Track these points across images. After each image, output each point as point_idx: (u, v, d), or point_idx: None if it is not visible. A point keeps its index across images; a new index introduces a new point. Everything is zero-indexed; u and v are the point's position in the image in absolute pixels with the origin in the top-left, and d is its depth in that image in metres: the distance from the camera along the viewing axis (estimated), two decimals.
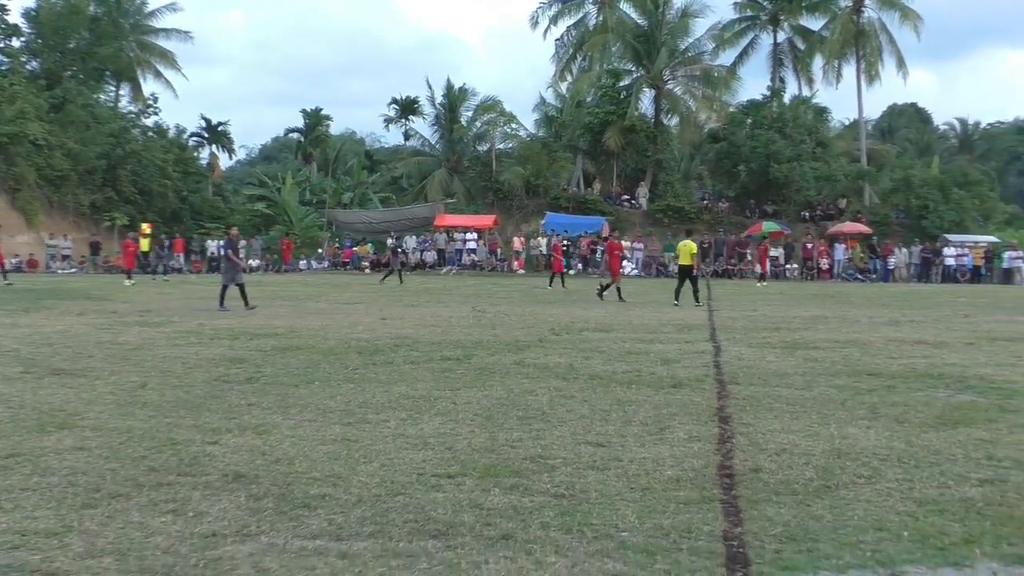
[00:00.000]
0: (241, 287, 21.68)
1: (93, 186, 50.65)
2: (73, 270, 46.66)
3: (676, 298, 24.31)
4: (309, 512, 5.62)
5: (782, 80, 60.02)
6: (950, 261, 46.85)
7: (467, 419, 8.40)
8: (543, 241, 48.87)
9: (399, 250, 42.70)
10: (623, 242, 29.57)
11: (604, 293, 26.46)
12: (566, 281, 33.59)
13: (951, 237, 48.02)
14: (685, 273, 24.87)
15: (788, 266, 47.70)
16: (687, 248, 25.01)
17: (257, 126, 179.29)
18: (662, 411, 8.81)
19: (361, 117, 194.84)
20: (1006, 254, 46.79)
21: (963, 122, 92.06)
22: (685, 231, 31.73)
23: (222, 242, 35.20)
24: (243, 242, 42.40)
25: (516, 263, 49.43)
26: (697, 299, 24.08)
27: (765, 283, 38.90)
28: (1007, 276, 46.04)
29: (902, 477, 6.47)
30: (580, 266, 47.54)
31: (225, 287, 21.83)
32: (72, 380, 10.53)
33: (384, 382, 10.48)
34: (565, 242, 40.17)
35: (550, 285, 32.71)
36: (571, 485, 6.22)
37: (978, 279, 46.04)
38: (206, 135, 70.07)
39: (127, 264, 36.67)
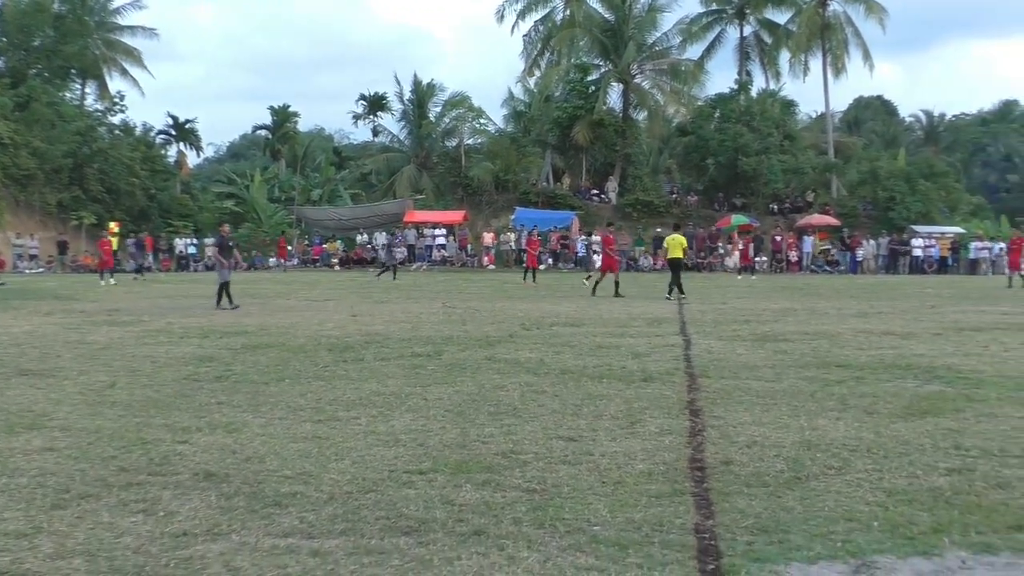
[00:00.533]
0: (222, 286, 21.41)
1: (60, 185, 50.19)
2: (40, 270, 46.22)
3: (680, 292, 24.18)
4: (280, 510, 5.59)
5: (749, 73, 60.40)
6: (917, 252, 47.29)
7: (438, 415, 8.38)
8: (513, 236, 48.87)
9: (392, 247, 42.83)
10: (609, 235, 29.06)
11: (618, 288, 25.39)
12: (537, 276, 33.59)
13: (918, 228, 48.46)
14: (677, 266, 24.96)
15: (757, 259, 47.90)
16: (676, 242, 25.21)
17: (225, 123, 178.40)
18: (633, 405, 8.83)
19: (330, 113, 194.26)
20: (972, 244, 47.33)
21: (928, 114, 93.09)
22: (673, 225, 32.04)
23: (212, 239, 34.26)
24: (210, 239, 42.01)
25: (486, 258, 49.39)
26: (670, 293, 24.15)
27: (749, 275, 39.16)
28: (973, 267, 46.60)
29: (871, 467, 6.51)
30: (551, 261, 47.64)
31: (226, 283, 21.45)
32: (40, 380, 10.43)
33: (355, 379, 10.45)
34: (537, 235, 40.04)
35: (524, 280, 32.74)
36: (543, 480, 6.22)
37: (945, 270, 46.54)
38: (173, 133, 69.42)
39: (107, 264, 35.37)
